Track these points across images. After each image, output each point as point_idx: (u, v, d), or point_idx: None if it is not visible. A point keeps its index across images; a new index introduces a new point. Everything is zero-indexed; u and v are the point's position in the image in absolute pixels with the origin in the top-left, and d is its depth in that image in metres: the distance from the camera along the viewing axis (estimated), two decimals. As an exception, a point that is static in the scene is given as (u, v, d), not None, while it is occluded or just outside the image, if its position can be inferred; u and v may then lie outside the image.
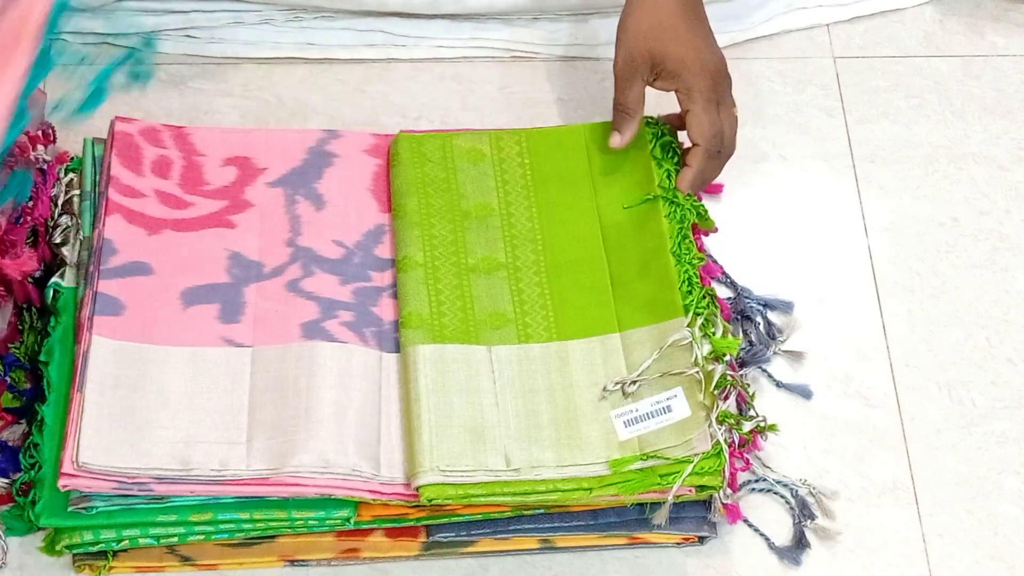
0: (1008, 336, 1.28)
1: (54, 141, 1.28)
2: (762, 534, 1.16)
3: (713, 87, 1.25)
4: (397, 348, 1.18)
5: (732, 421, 1.13)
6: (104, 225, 1.19)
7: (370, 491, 1.10)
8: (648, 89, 1.27)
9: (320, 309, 1.18)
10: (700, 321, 1.16)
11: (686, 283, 1.19)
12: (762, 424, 1.17)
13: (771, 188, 1.36)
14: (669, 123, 1.30)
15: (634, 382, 1.14)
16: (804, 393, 1.24)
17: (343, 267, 1.21)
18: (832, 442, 1.21)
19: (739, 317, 1.26)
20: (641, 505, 1.13)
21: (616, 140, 1.27)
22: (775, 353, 1.25)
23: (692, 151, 1.25)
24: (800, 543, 1.16)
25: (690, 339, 1.15)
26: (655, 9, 1.25)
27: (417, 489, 1.09)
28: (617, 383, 1.15)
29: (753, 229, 1.32)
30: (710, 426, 1.11)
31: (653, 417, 1.13)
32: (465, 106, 1.39)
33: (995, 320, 1.29)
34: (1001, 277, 1.31)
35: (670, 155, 1.27)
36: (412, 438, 1.12)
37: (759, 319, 1.26)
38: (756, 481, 1.18)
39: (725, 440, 1.11)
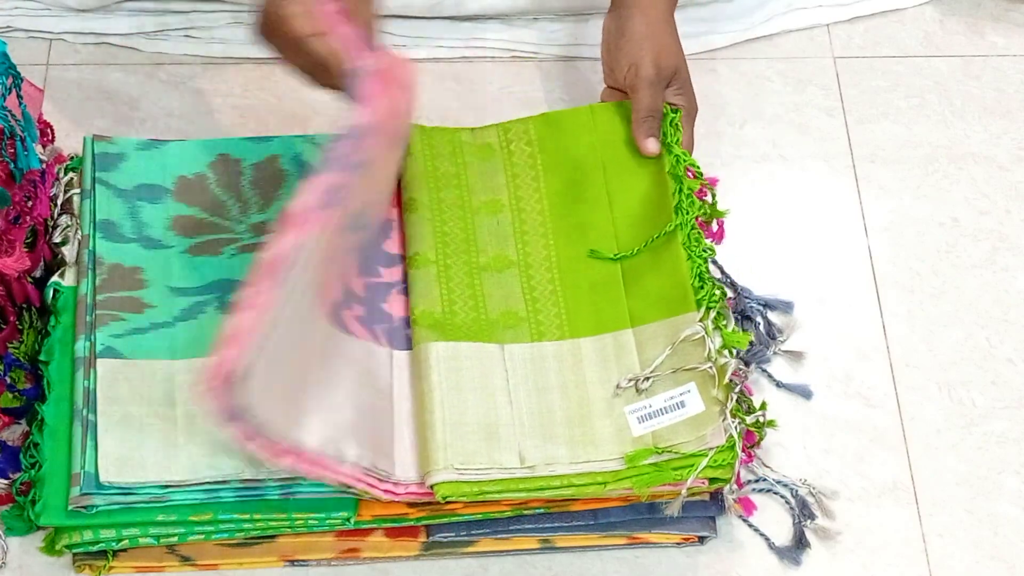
0: (1008, 336, 1.28)
1: (52, 141, 1.28)
2: (762, 534, 1.16)
3: (696, 107, 1.30)
4: (407, 345, 1.18)
5: (742, 415, 1.13)
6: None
7: (384, 490, 1.10)
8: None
9: (343, 293, 1.18)
10: (712, 315, 1.17)
11: (697, 277, 1.19)
12: (761, 419, 1.17)
13: (771, 188, 1.36)
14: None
15: (647, 378, 1.14)
16: (804, 393, 1.24)
17: (359, 258, 1.21)
18: (832, 442, 1.21)
19: (739, 317, 1.26)
20: (641, 505, 1.13)
21: (655, 146, 1.26)
22: (775, 353, 1.25)
23: None
24: (800, 543, 1.16)
25: (703, 334, 1.15)
26: (667, 24, 1.28)
27: (432, 487, 1.09)
28: (630, 379, 1.15)
29: (753, 229, 1.32)
30: (724, 420, 1.11)
31: (666, 413, 1.13)
32: (465, 106, 1.39)
33: (995, 320, 1.29)
34: (1001, 277, 1.31)
35: (676, 138, 1.27)
36: (426, 436, 1.12)
37: (759, 319, 1.26)
38: (756, 481, 1.18)
39: (739, 434, 1.11)
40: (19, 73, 1.19)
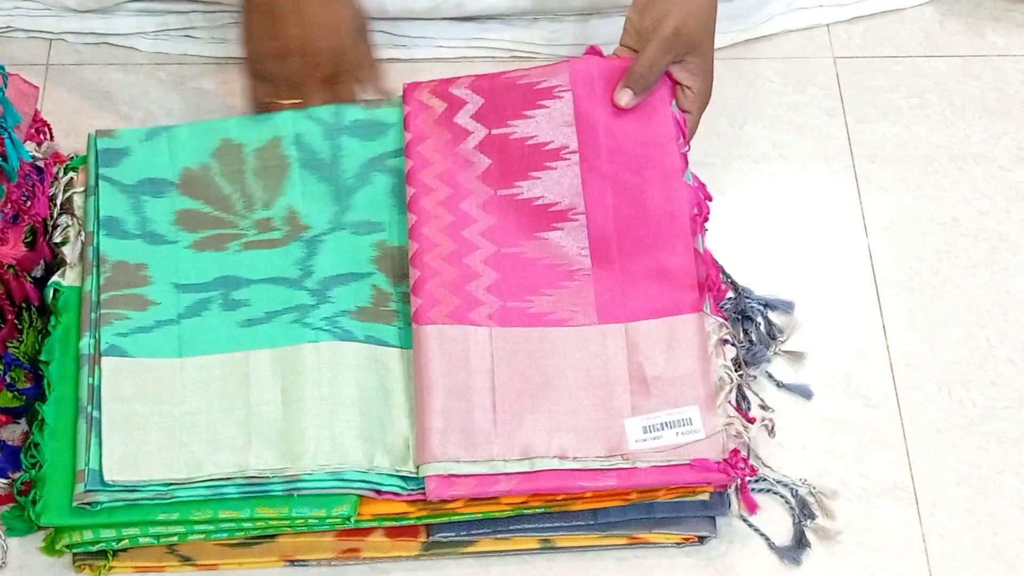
0: (1008, 336, 1.28)
1: (51, 139, 1.28)
2: (762, 534, 1.16)
3: (710, 96, 1.26)
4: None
5: (740, 426, 1.14)
6: None
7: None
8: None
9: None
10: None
11: None
12: (769, 424, 1.17)
13: (771, 188, 1.36)
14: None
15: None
16: (804, 393, 1.24)
17: None
18: (832, 442, 1.21)
19: (740, 317, 1.26)
20: (641, 505, 1.13)
21: (626, 98, 1.22)
22: (775, 353, 1.25)
23: None
24: (800, 543, 1.16)
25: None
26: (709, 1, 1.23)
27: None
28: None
29: (753, 229, 1.32)
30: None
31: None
32: (465, 106, 1.39)
33: (995, 320, 1.29)
34: (1001, 277, 1.31)
35: None
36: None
37: (760, 319, 1.26)
38: (756, 481, 1.18)
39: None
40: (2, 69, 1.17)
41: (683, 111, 1.25)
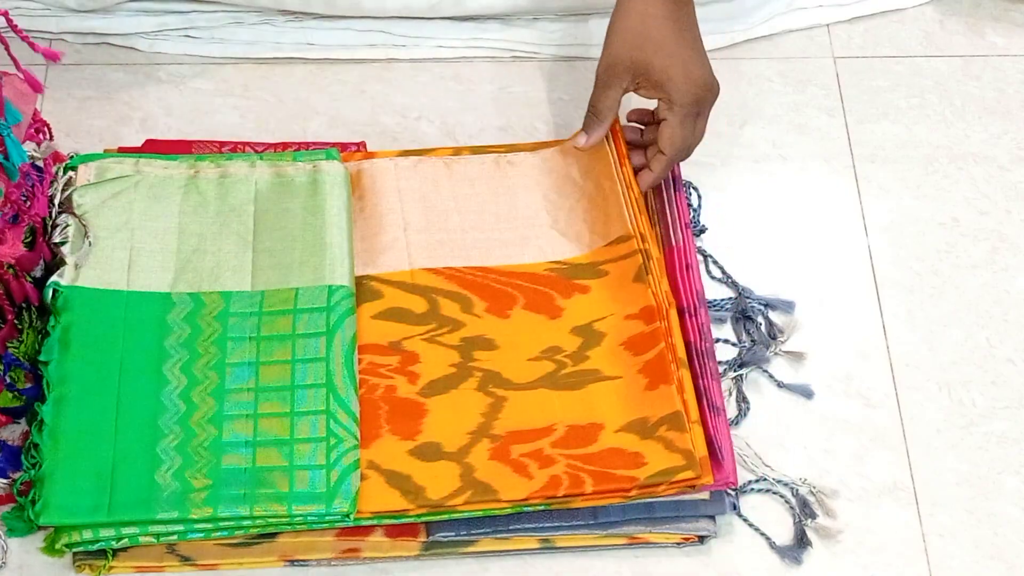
0: (1008, 336, 1.28)
1: (51, 139, 1.28)
2: (763, 534, 1.16)
3: (695, 101, 1.24)
4: None
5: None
6: None
7: None
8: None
9: None
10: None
11: None
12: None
13: (771, 188, 1.36)
14: (639, 117, 1.32)
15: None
16: (804, 393, 1.24)
17: None
18: (832, 442, 1.21)
19: (740, 317, 1.26)
20: (641, 504, 1.13)
21: (582, 140, 1.29)
22: (776, 353, 1.25)
23: (656, 157, 1.26)
24: (801, 542, 1.16)
25: None
26: (643, 17, 1.24)
27: None
28: None
29: (754, 229, 1.32)
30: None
31: None
32: (465, 106, 1.39)
33: (995, 320, 1.29)
34: (1001, 277, 1.31)
35: None
36: None
37: (760, 319, 1.26)
38: (756, 481, 1.18)
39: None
40: None
41: (663, 119, 1.25)
